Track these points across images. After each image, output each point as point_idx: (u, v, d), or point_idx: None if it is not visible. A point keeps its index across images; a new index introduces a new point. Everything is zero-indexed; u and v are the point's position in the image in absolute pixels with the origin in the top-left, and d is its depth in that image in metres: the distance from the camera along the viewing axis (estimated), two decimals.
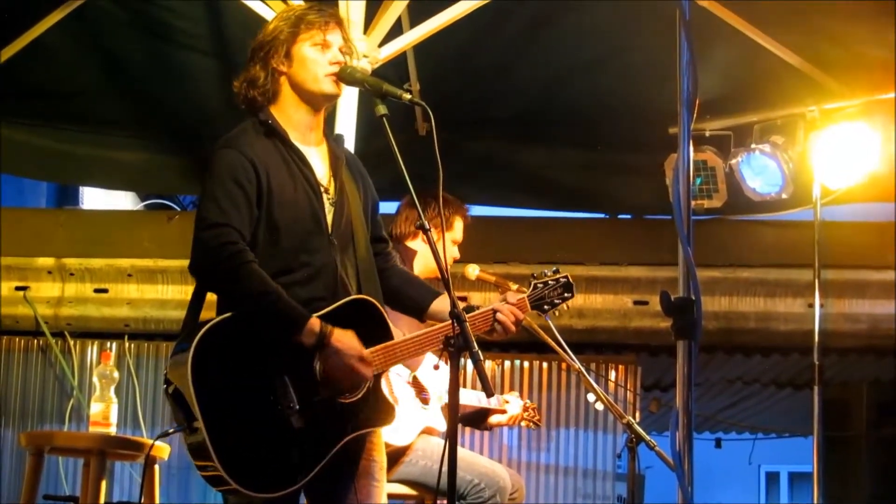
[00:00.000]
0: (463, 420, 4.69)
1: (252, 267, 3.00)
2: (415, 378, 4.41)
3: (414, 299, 3.39)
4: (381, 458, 3.33)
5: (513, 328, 3.35)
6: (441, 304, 3.29)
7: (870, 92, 5.23)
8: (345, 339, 3.05)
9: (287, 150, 3.20)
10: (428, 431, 4.41)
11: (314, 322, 3.02)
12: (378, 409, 3.20)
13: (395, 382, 4.30)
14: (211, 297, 3.13)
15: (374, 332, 3.17)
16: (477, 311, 3.31)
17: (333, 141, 3.37)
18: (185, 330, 3.06)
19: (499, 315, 3.34)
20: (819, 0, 4.74)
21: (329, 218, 3.22)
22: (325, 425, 3.05)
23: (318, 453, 3.04)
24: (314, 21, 3.23)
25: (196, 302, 3.15)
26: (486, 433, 6.24)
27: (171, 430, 3.04)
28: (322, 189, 3.23)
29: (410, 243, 4.59)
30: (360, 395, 3.12)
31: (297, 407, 2.99)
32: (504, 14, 5.14)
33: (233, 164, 3.11)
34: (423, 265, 4.57)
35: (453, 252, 4.62)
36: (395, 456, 4.28)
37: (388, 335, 3.21)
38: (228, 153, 3.13)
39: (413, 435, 4.31)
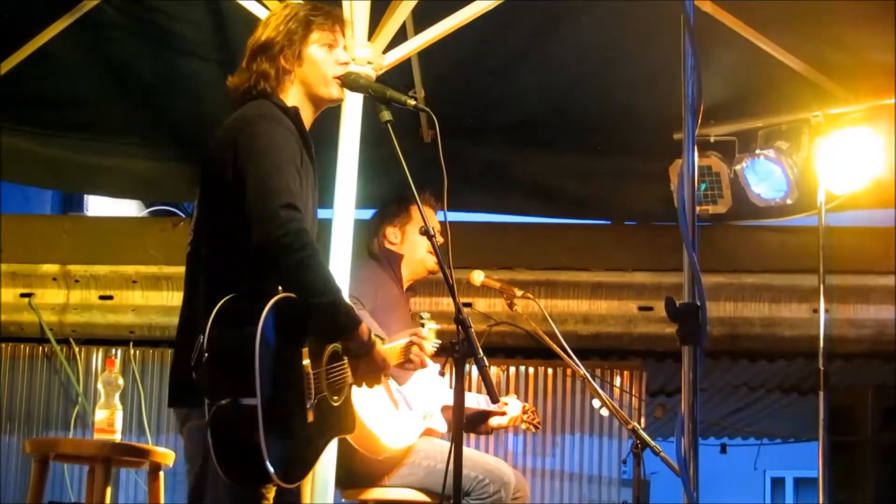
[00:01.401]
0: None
1: (320, 260, 2.94)
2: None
3: None
4: None
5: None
6: None
7: (874, 97, 5.22)
8: (382, 350, 3.11)
9: (303, 143, 3.17)
10: (428, 433, 4.41)
11: (364, 329, 3.02)
12: (349, 417, 3.20)
13: (393, 387, 4.30)
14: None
15: None
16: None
17: None
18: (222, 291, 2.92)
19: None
20: (822, 1, 4.74)
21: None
22: (323, 425, 3.03)
23: (316, 451, 3.03)
24: (323, 22, 3.25)
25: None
26: (491, 438, 6.24)
27: (223, 402, 2.76)
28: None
29: (394, 248, 4.61)
30: (342, 400, 3.11)
31: (311, 402, 2.95)
32: (509, 20, 5.13)
33: (294, 148, 3.04)
34: (409, 267, 4.60)
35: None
36: (397, 459, 4.28)
37: None
38: (286, 134, 3.06)
39: (414, 437, 4.31)
